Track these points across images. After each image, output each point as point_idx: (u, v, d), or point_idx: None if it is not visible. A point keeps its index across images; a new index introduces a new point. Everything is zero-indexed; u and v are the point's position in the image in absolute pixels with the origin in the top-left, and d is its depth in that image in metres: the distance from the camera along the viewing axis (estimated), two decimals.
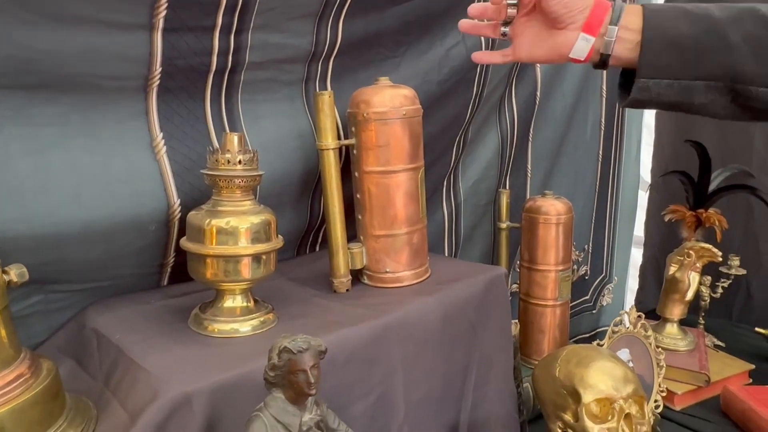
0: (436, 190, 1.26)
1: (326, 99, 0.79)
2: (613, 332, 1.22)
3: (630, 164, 1.74)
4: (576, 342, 1.79)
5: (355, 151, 0.85)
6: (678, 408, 1.29)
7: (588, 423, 0.80)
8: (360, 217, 0.87)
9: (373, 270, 0.88)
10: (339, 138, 0.84)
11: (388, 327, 0.72)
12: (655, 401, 1.23)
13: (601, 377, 0.81)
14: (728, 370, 1.39)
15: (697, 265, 1.38)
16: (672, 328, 1.43)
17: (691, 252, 1.35)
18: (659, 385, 1.24)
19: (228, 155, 0.68)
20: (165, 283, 0.86)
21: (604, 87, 1.59)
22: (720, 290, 1.60)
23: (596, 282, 1.78)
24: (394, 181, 0.83)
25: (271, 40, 0.80)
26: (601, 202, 1.70)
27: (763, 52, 0.56)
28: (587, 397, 0.80)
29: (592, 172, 1.65)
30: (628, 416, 0.79)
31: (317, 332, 0.61)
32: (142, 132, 0.74)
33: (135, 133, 0.73)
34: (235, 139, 0.69)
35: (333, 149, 0.81)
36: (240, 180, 0.68)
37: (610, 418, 0.80)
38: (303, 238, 1.02)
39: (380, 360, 0.70)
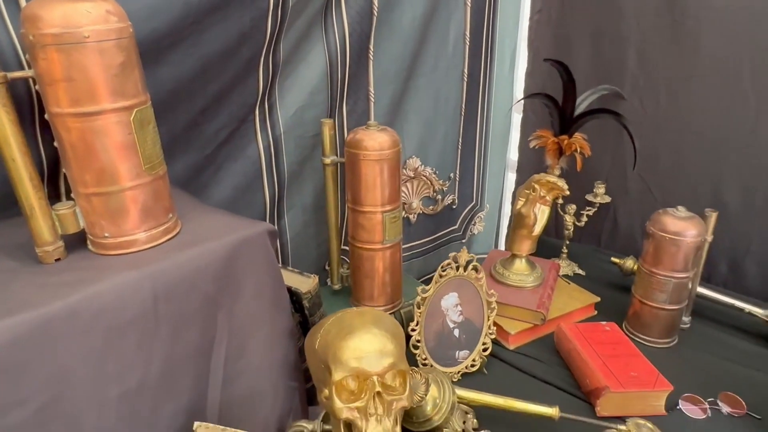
0: (243, 122, 1.08)
1: None
2: (441, 276, 1.13)
3: (502, 83, 1.59)
4: None
5: (37, 87, 0.65)
6: (512, 347, 1.25)
7: (337, 403, 0.71)
8: (65, 170, 0.70)
9: (92, 234, 0.72)
10: (23, 66, 0.64)
11: (52, 319, 0.58)
12: (484, 344, 1.19)
13: (352, 353, 0.71)
14: (573, 304, 1.35)
15: (547, 198, 1.29)
16: (520, 264, 1.37)
17: (536, 186, 1.25)
18: (489, 328, 1.19)
19: None
20: None
21: None
22: (585, 219, 1.54)
23: (465, 211, 1.69)
24: (94, 126, 0.65)
25: None
26: (469, 126, 1.56)
27: None
28: (337, 374, 0.71)
29: (457, 93, 1.49)
30: (379, 393, 0.70)
31: None
32: None
33: None
34: None
35: None
36: None
37: (363, 395, 0.71)
38: None
39: (39, 360, 0.57)
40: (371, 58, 1.24)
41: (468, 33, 1.42)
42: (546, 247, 1.63)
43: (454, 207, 1.64)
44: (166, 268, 0.67)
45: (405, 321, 1.23)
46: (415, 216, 1.55)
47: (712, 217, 1.22)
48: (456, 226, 1.69)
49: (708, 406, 1.06)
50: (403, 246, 1.52)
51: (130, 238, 0.71)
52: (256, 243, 0.76)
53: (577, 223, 1.56)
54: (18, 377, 0.56)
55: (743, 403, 1.07)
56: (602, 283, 1.50)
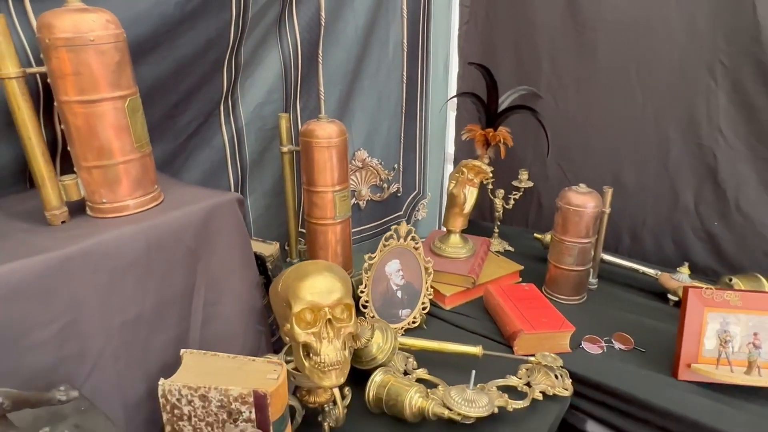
0: (210, 116, 1.25)
1: None
2: (384, 245, 1.33)
3: (438, 85, 1.81)
4: None
5: (49, 80, 0.81)
6: (448, 307, 1.46)
7: (297, 329, 0.89)
8: (70, 148, 0.86)
9: (91, 201, 0.88)
10: (32, 64, 0.80)
11: (69, 258, 0.74)
12: (423, 303, 1.39)
13: (308, 290, 0.89)
14: (500, 272, 1.58)
15: (474, 180, 1.51)
16: (455, 239, 1.58)
17: (464, 169, 1.47)
18: (427, 289, 1.39)
19: None
20: None
21: (404, 7, 1.60)
22: (512, 202, 1.77)
23: (410, 198, 1.90)
24: (95, 111, 0.82)
25: None
26: (410, 123, 1.78)
27: None
28: (296, 307, 0.89)
29: (398, 94, 1.70)
30: (330, 321, 0.89)
31: None
32: None
33: None
34: None
35: (16, 78, 0.77)
36: None
37: (317, 324, 0.90)
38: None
39: (60, 290, 0.73)
40: (320, 62, 1.44)
41: (405, 41, 1.64)
42: (481, 230, 1.86)
43: (399, 195, 1.85)
44: (156, 224, 0.84)
45: (355, 286, 1.42)
46: (365, 202, 1.75)
47: (608, 192, 1.47)
48: (402, 212, 1.89)
49: (604, 344, 1.30)
50: (354, 229, 1.72)
51: (123, 204, 0.88)
52: (227, 208, 0.93)
53: (505, 205, 1.79)
54: (46, 301, 0.71)
55: (632, 340, 1.31)
56: (528, 256, 1.73)
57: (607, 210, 1.49)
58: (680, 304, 1.40)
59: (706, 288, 1.16)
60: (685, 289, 1.18)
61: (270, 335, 1.10)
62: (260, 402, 0.78)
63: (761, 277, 1.42)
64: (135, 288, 0.82)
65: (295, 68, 1.38)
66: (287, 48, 1.34)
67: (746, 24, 1.33)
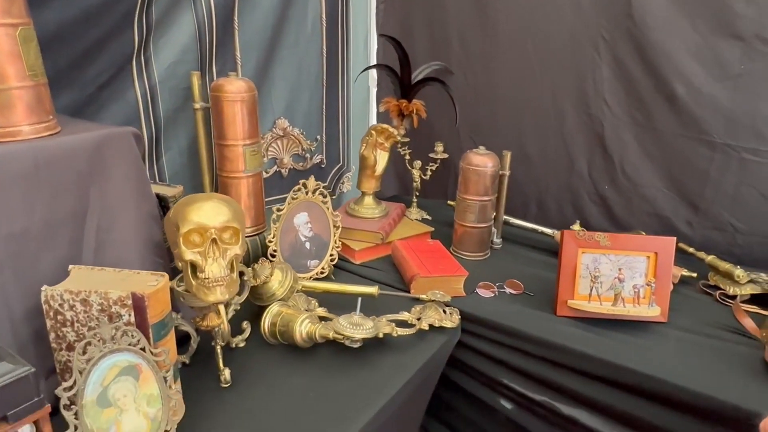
0: (122, 69, 1.31)
1: None
2: (293, 198, 1.41)
3: (359, 60, 1.91)
4: None
5: None
6: (358, 262, 1.55)
7: (183, 248, 0.95)
8: None
9: None
10: None
11: None
12: (331, 255, 1.47)
13: (195, 212, 0.96)
14: (411, 232, 1.67)
15: (385, 144, 1.61)
16: (368, 200, 1.67)
17: (373, 132, 1.56)
18: (335, 242, 1.47)
19: None
20: None
21: None
22: (429, 173, 1.88)
23: (334, 170, 1.98)
24: None
25: None
26: (331, 96, 1.86)
27: None
28: (184, 228, 0.95)
29: (317, 67, 1.78)
30: (215, 241, 0.96)
31: None
32: None
33: None
34: None
35: None
36: None
37: (205, 244, 0.96)
38: None
39: None
40: (236, 27, 1.51)
41: (324, 16, 1.73)
42: (402, 203, 1.95)
43: (323, 166, 1.93)
44: (45, 145, 0.89)
45: (264, 237, 1.48)
46: (287, 171, 1.82)
47: (507, 155, 1.59)
48: (326, 183, 1.97)
49: (496, 289, 1.41)
50: (277, 197, 1.79)
51: (17, 129, 0.92)
52: (122, 138, 0.99)
53: (423, 176, 1.89)
54: None
55: (522, 286, 1.42)
56: (443, 223, 1.84)
57: (507, 172, 1.61)
58: None
59: (580, 230, 1.28)
60: (562, 233, 1.30)
61: (169, 266, 1.15)
62: (138, 304, 0.84)
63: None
64: (22, 202, 0.86)
65: (210, 31, 1.44)
66: (201, 11, 1.41)
67: (620, 0, 1.48)
